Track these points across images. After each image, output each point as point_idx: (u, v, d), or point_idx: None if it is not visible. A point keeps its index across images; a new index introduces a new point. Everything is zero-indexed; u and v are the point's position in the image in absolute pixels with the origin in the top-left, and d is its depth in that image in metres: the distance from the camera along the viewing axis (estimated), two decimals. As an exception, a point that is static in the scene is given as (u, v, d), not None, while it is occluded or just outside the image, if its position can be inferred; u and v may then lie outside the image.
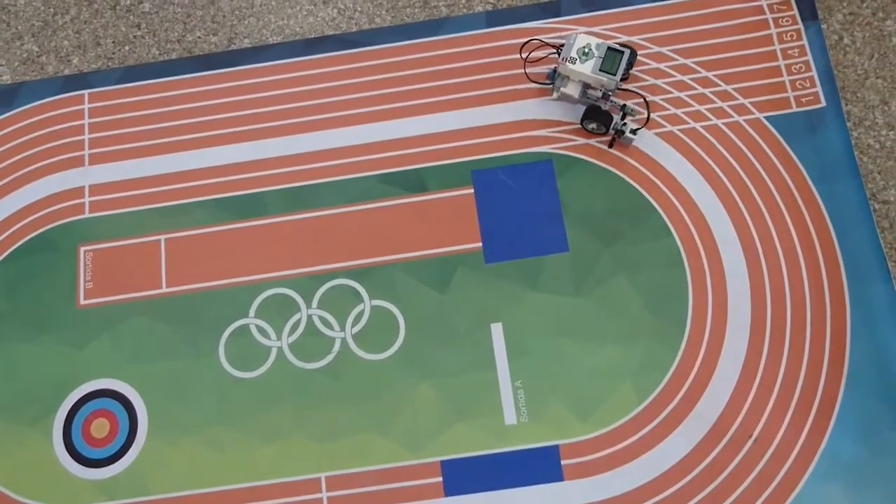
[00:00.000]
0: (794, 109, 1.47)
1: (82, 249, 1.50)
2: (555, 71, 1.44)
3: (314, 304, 1.44)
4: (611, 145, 1.42)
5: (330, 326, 1.43)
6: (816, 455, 1.30)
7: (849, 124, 1.45)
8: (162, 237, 1.50)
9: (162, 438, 1.38)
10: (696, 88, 1.49)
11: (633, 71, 1.47)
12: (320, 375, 1.40)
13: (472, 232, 1.45)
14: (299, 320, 1.43)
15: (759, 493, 1.28)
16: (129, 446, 1.38)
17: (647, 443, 1.32)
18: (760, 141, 1.47)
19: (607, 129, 1.42)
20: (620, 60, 1.37)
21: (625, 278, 1.41)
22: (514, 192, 1.47)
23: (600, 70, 1.36)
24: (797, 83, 1.49)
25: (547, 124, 1.51)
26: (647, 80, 1.48)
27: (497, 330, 1.40)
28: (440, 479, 1.32)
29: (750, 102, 1.48)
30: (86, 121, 1.58)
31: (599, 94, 1.42)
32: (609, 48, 1.36)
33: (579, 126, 1.47)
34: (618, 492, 1.30)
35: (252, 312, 1.44)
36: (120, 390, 1.42)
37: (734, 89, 1.49)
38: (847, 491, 1.27)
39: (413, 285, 1.43)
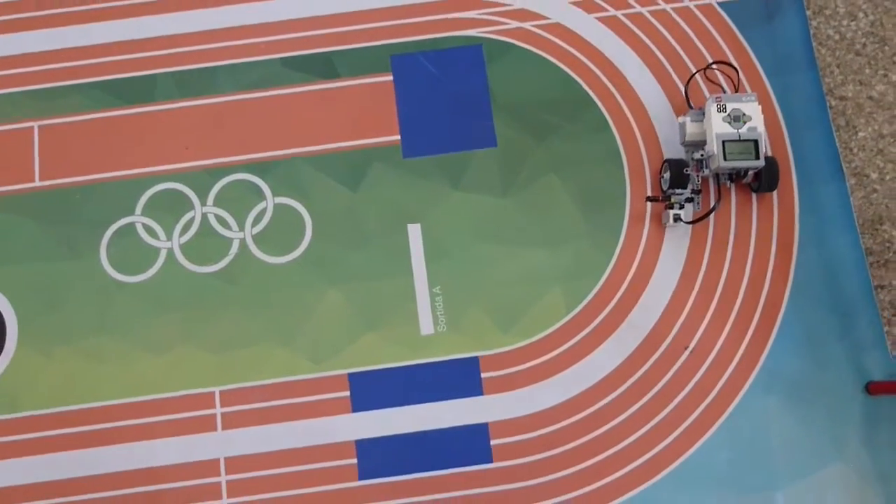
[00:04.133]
0: (750, -6, 1.38)
1: (-60, 136, 1.36)
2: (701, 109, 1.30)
3: (209, 200, 1.33)
4: (650, 199, 1.30)
5: (227, 226, 1.32)
6: (756, 367, 1.25)
7: (808, 12, 1.36)
8: (35, 124, 1.36)
9: (33, 348, 1.27)
10: (643, -32, 1.39)
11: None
12: (216, 280, 1.29)
13: (389, 123, 1.35)
14: (192, 219, 1.32)
15: (694, 405, 1.23)
16: (-4, 357, 1.26)
17: (576, 354, 1.26)
18: (711, 28, 1.38)
19: (666, 191, 1.29)
20: (758, 149, 1.22)
21: (557, 177, 1.32)
22: (437, 79, 1.37)
23: (740, 141, 1.22)
24: (754, -35, 1.40)
25: (476, 4, 1.39)
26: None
27: (415, 231, 1.30)
28: (347, 393, 1.24)
29: (702, -15, 1.39)
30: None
31: (700, 157, 1.28)
32: (756, 139, 1.22)
33: (512, 7, 1.36)
34: (543, 406, 1.24)
35: (138, 210, 1.33)
36: (-16, 295, 1.29)
37: (685, -30, 1.39)
38: (788, 404, 1.23)
39: (321, 181, 1.33)
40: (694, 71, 1.31)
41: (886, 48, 1.34)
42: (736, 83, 1.31)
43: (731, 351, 1.26)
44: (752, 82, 1.35)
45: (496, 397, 1.24)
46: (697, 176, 1.25)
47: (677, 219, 1.24)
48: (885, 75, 1.33)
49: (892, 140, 1.31)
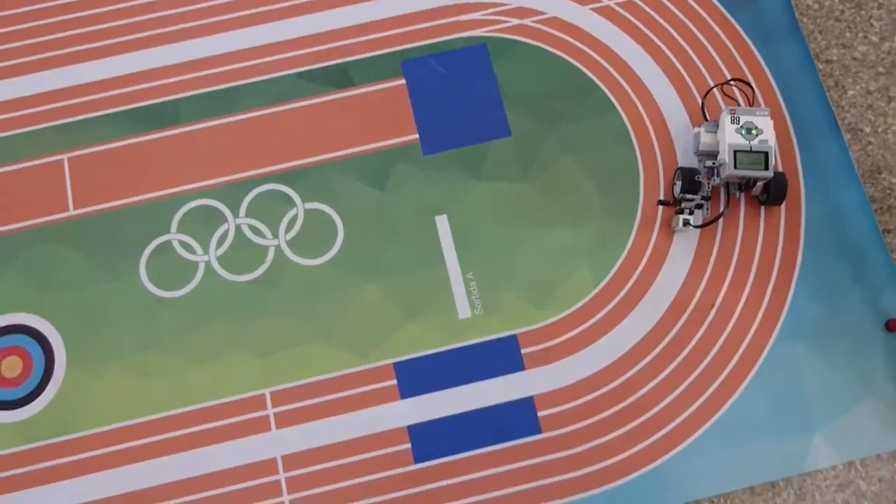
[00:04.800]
0: (731, -25, 1.49)
1: (-27, 175, 1.41)
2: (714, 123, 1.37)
3: (242, 212, 1.39)
4: (661, 203, 1.37)
5: (261, 235, 1.37)
6: (780, 318, 1.32)
7: (787, -13, 1.46)
8: (65, 156, 1.42)
9: (83, 371, 1.31)
10: (629, -41, 1.49)
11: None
12: (255, 287, 1.34)
13: (407, 124, 1.42)
14: (226, 231, 1.38)
15: (726, 361, 1.29)
16: (47, 383, 1.31)
17: (607, 324, 1.32)
18: (701, 11, 1.47)
19: (678, 196, 1.36)
20: (768, 161, 1.30)
21: (571, 159, 1.40)
22: (448, 79, 1.44)
23: (751, 152, 1.30)
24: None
25: (478, 7, 1.48)
26: None
27: (442, 222, 1.37)
28: (394, 381, 1.29)
29: (686, -29, 1.49)
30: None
31: (712, 165, 1.36)
32: (767, 151, 1.29)
33: (510, 6, 1.45)
34: (582, 375, 1.29)
35: (173, 228, 1.38)
36: (31, 324, 1.34)
37: (669, -42, 1.49)
38: (812, 349, 1.29)
39: (348, 184, 1.39)
40: (712, 85, 1.40)
41: (863, 12, 1.45)
42: (751, 99, 1.40)
43: (755, 307, 1.33)
44: (743, 57, 1.44)
45: (538, 371, 1.29)
46: (708, 184, 1.33)
47: (686, 223, 1.31)
48: (865, 37, 1.43)
49: (879, 96, 1.40)
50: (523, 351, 1.30)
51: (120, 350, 1.32)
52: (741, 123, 1.28)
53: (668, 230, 1.35)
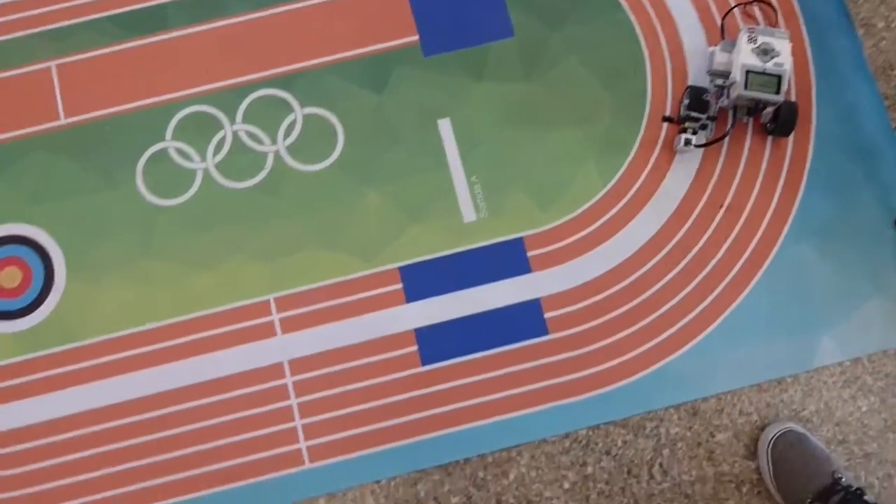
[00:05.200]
0: None
1: (-41, 83, 1.37)
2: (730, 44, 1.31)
3: (238, 118, 1.35)
4: (666, 120, 1.33)
5: (259, 141, 1.34)
6: (789, 218, 1.30)
7: None
8: (52, 63, 1.37)
9: (84, 279, 1.29)
10: None
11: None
12: (255, 193, 1.32)
13: (406, 24, 1.38)
14: (223, 138, 1.35)
15: (734, 260, 1.29)
16: (48, 293, 1.29)
17: (615, 225, 1.30)
18: None
19: (682, 115, 1.31)
20: (780, 85, 1.24)
21: (576, 58, 1.36)
22: (448, -23, 1.39)
23: (764, 74, 1.24)
24: None
25: None
26: None
27: (445, 126, 1.34)
28: (400, 285, 1.28)
29: None
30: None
31: (722, 85, 1.30)
32: (780, 75, 1.23)
33: None
34: (589, 277, 1.28)
35: (169, 135, 1.35)
36: (27, 234, 1.32)
37: None
38: (822, 248, 1.29)
39: (347, 88, 1.35)
40: (733, 4, 1.34)
41: None
42: (773, 21, 1.35)
43: (764, 206, 1.31)
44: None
45: (544, 273, 1.28)
46: (716, 104, 1.29)
47: (688, 143, 1.28)
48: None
49: (894, -12, 1.36)
50: (529, 253, 1.29)
51: (120, 258, 1.30)
52: (758, 44, 1.24)
53: (677, 130, 1.32)
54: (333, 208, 1.31)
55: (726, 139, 1.31)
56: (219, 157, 1.34)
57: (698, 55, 1.35)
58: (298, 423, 1.23)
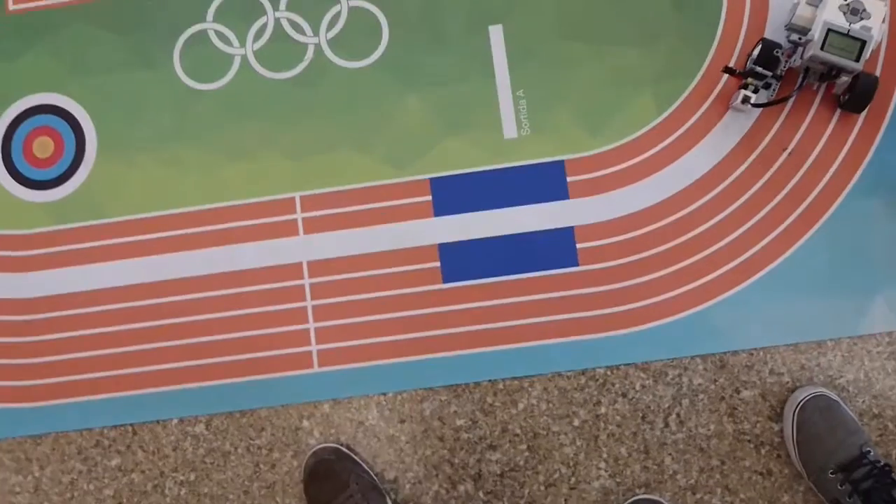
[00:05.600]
0: None
1: (6, -58, 1.33)
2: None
3: (282, 5, 1.29)
4: (727, 71, 1.18)
5: (301, 31, 1.28)
6: (860, 168, 1.19)
7: None
8: (100, -71, 1.32)
9: (114, 157, 1.28)
10: None
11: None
12: (292, 86, 1.27)
13: (468, -83, 1.27)
14: (265, 24, 1.29)
15: (791, 209, 1.19)
16: (78, 166, 1.28)
17: (665, 158, 1.21)
18: None
19: (748, 68, 1.18)
20: (860, 53, 1.10)
21: (649, -29, 1.24)
22: None
23: (846, 36, 1.10)
24: None
25: None
26: None
27: (496, 32, 1.25)
28: (429, 197, 1.23)
29: None
30: None
31: (798, 41, 1.17)
32: (865, 41, 1.09)
33: None
34: (629, 210, 1.21)
35: (209, 16, 1.30)
36: (62, 105, 1.30)
37: None
38: (890, 204, 1.18)
39: (398, -19, 1.27)
40: None
41: None
42: None
43: (834, 152, 1.20)
44: None
45: (582, 201, 1.21)
46: (786, 62, 1.16)
47: (746, 100, 1.16)
48: None
49: None
50: (569, 179, 1.22)
51: (152, 139, 1.28)
52: (849, 1, 1.09)
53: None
54: (370, 109, 1.26)
55: (790, 102, 1.18)
56: (258, 45, 1.29)
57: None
58: (312, 325, 1.22)
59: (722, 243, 1.19)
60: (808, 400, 1.11)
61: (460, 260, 1.21)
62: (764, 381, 1.16)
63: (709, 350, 1.17)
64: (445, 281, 1.21)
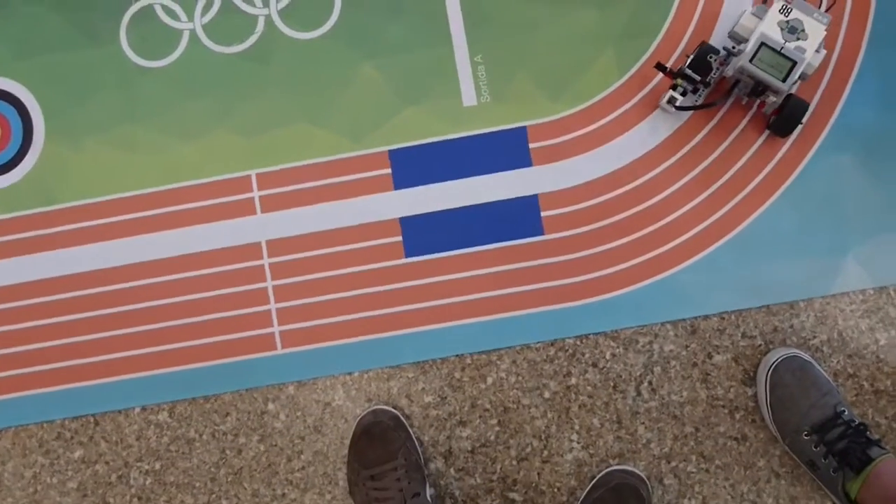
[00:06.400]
0: None
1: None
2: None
3: (230, -24, 1.24)
4: (658, 67, 1.15)
5: (251, 2, 1.25)
6: (827, 125, 1.17)
7: None
8: None
9: (63, 141, 1.24)
10: None
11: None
12: (243, 60, 1.23)
13: None
14: (213, -3, 1.24)
15: (758, 168, 1.17)
16: (26, 152, 1.25)
17: (628, 120, 1.19)
18: None
19: (679, 68, 1.14)
20: (789, 73, 1.06)
21: (607, -72, 1.20)
22: None
23: (778, 53, 1.06)
24: None
25: None
26: None
27: (452, -4, 1.21)
28: (388, 170, 1.20)
29: None
30: None
31: (732, 50, 1.14)
32: (795, 62, 1.06)
33: None
34: (594, 175, 1.18)
35: (156, -10, 1.25)
36: (8, 89, 1.26)
37: None
38: (859, 161, 1.16)
39: (349, -52, 1.23)
40: None
41: None
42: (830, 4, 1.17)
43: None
44: None
45: (546, 168, 1.18)
46: (719, 69, 1.13)
47: (671, 101, 1.13)
48: None
49: None
50: (531, 145, 1.19)
51: (101, 121, 1.24)
52: (789, 18, 1.06)
53: (711, 18, 1.17)
54: (324, 81, 1.22)
55: (717, 110, 1.15)
56: (207, 18, 1.25)
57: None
58: (273, 306, 1.19)
59: (688, 207, 1.17)
60: (780, 361, 1.09)
61: (423, 233, 1.19)
62: (736, 345, 1.14)
63: (679, 315, 1.15)
64: (408, 255, 1.19)
